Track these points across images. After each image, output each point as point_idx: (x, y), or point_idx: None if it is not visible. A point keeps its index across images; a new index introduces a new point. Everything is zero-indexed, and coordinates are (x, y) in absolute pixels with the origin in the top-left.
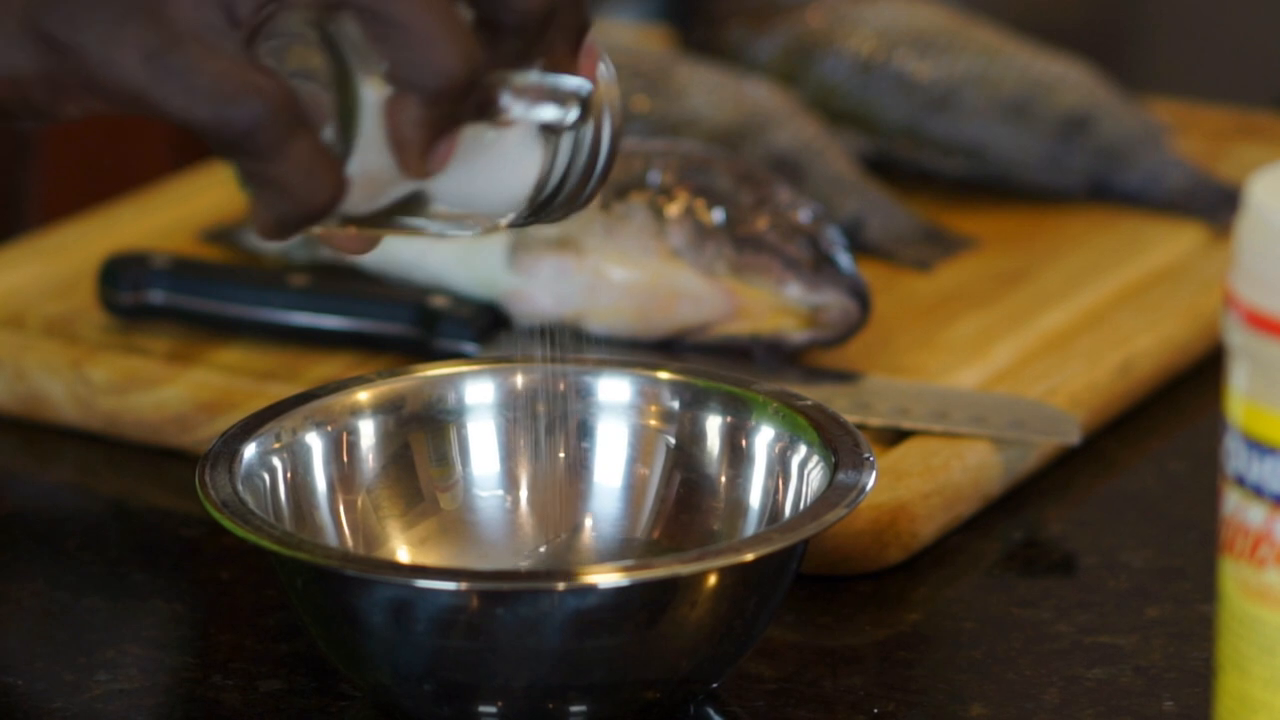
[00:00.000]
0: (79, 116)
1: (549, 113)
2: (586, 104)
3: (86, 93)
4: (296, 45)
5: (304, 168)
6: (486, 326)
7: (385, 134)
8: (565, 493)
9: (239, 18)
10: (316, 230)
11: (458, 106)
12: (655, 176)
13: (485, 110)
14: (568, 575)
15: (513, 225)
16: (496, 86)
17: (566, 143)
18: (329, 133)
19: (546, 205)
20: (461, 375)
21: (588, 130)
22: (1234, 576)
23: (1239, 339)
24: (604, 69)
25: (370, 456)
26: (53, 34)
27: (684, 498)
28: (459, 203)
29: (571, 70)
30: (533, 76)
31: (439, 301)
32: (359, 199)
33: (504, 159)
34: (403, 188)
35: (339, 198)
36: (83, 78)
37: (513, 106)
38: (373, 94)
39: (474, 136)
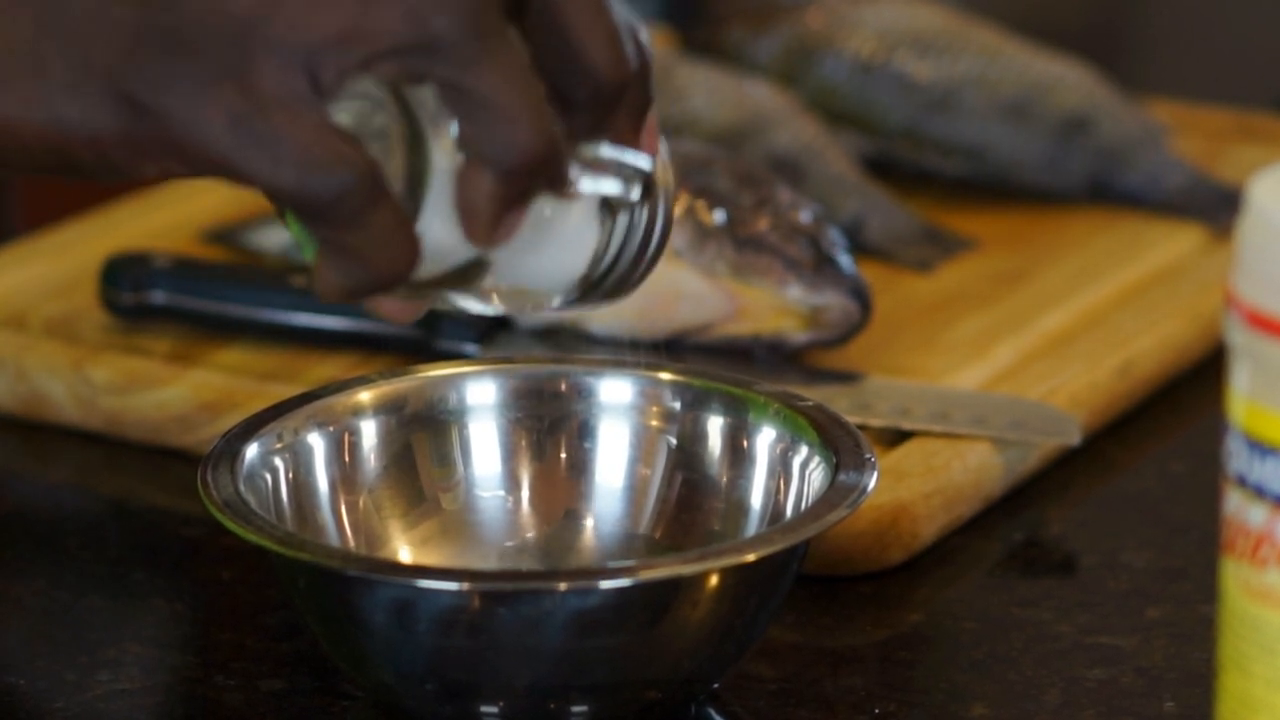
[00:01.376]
0: (157, 177)
1: (614, 187)
2: (650, 182)
3: (168, 156)
4: (369, 106)
5: (383, 239)
6: (488, 327)
7: (453, 202)
8: (558, 486)
9: (323, 84)
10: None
11: (532, 182)
12: None
13: (554, 183)
14: (569, 575)
15: (562, 306)
16: (566, 159)
17: (622, 223)
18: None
19: (597, 285)
20: (463, 376)
21: (644, 211)
22: (1235, 577)
23: (1240, 339)
24: (662, 150)
25: (372, 457)
26: (137, 96)
27: (685, 498)
28: (514, 276)
29: (635, 147)
30: (603, 150)
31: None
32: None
33: (562, 236)
34: (461, 256)
35: (413, 269)
36: (165, 141)
37: (581, 179)
38: (443, 159)
39: (535, 211)
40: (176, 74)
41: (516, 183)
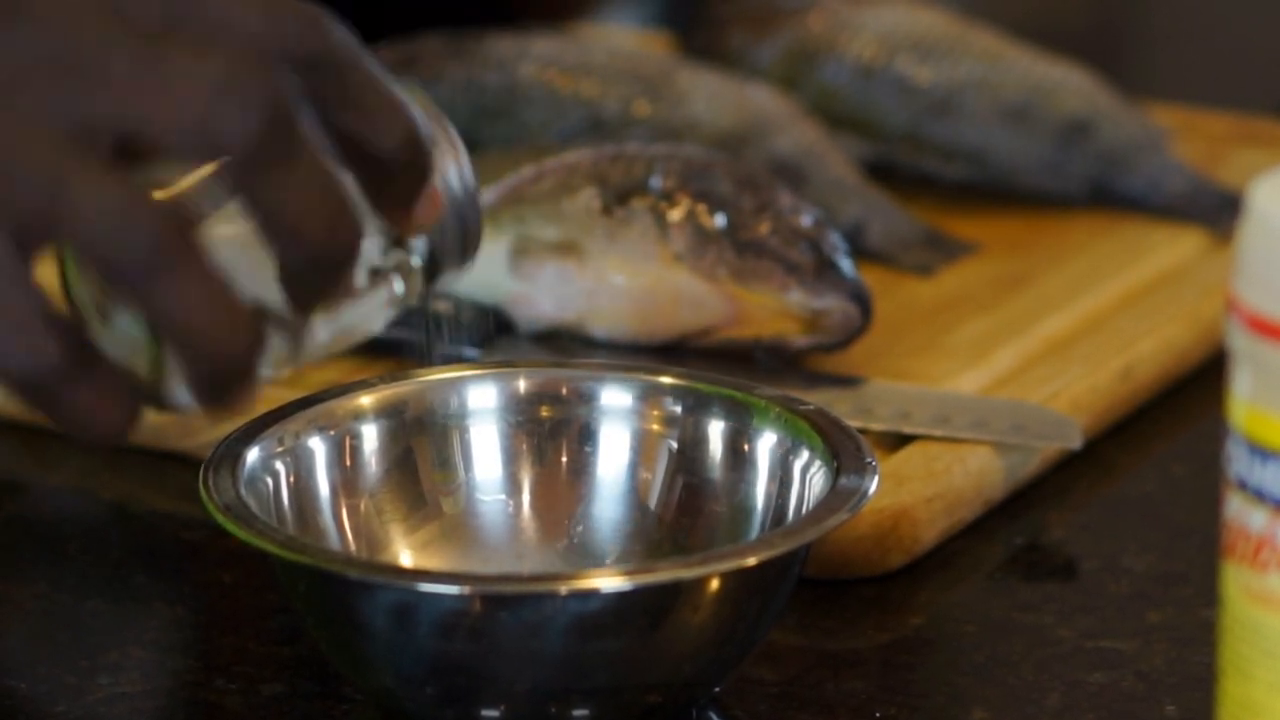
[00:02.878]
0: None
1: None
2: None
3: None
4: None
5: (88, 410)
6: (488, 331)
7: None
8: (559, 490)
9: (29, 246)
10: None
11: (233, 383)
12: (657, 181)
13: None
14: (570, 579)
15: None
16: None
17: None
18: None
19: (425, 294)
20: (464, 380)
21: (446, 247)
22: (1236, 581)
23: (1241, 343)
24: (457, 151)
25: (373, 461)
26: None
27: (686, 502)
28: (323, 336)
29: (410, 222)
30: (360, 278)
31: (440, 306)
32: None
33: (359, 303)
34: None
35: (130, 427)
36: None
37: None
38: None
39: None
40: None
41: (217, 385)
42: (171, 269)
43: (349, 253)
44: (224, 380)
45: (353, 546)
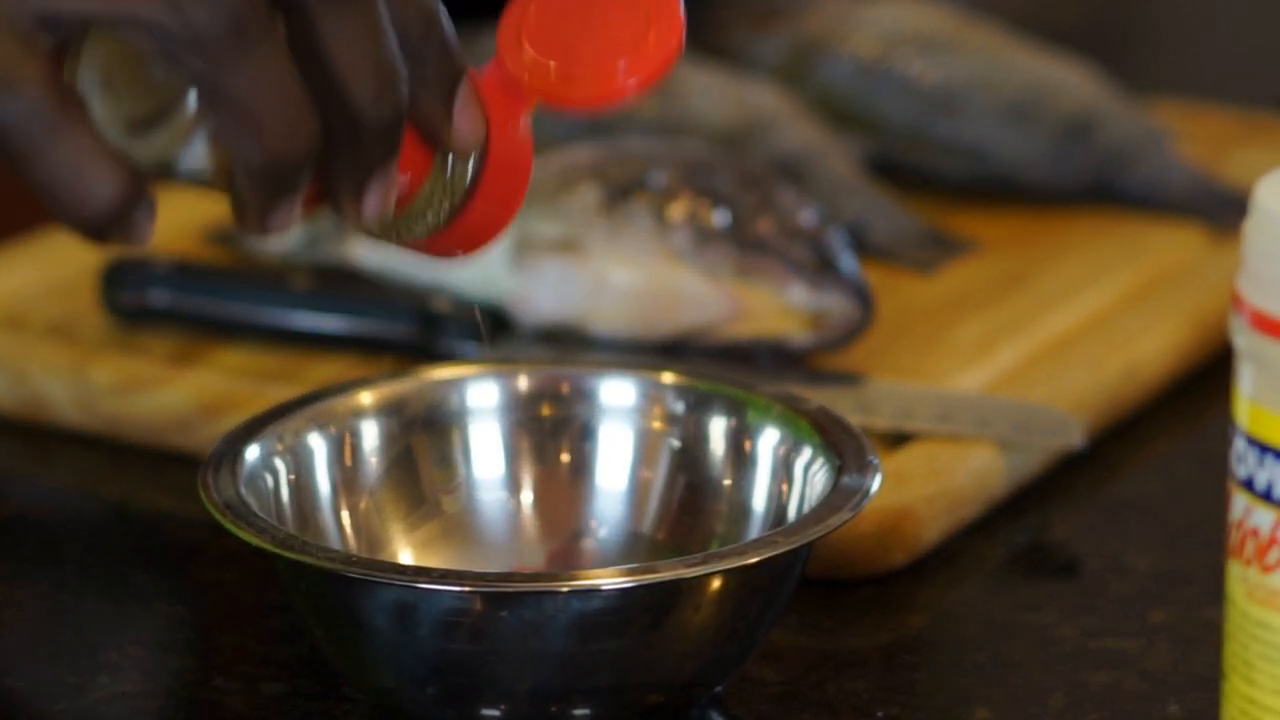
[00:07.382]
0: None
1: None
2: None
3: None
4: None
5: (70, 170)
6: (490, 329)
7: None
8: (560, 489)
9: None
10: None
11: (289, 182)
12: (658, 179)
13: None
14: (572, 578)
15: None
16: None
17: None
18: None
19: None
20: (464, 378)
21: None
22: (1241, 581)
23: (1246, 342)
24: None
25: (373, 459)
26: None
27: (688, 501)
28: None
29: (447, 126)
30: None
31: (441, 304)
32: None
33: None
34: None
35: (121, 199)
36: None
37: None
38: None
39: None
40: None
41: (267, 183)
42: (244, 51)
43: (301, 156)
44: (279, 177)
45: (353, 545)
